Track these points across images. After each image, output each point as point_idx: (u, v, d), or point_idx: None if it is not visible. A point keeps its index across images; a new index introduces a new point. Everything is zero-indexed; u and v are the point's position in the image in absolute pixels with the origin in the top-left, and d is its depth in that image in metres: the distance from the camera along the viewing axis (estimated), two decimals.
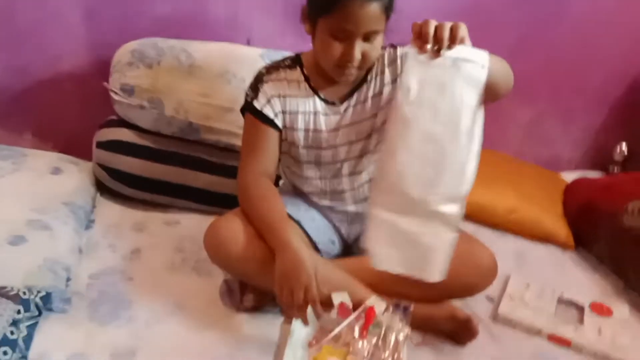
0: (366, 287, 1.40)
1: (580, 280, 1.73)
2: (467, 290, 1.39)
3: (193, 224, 1.65)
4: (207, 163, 1.72)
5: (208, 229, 1.35)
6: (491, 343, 1.40)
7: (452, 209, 1.08)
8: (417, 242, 1.07)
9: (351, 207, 1.51)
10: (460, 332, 1.36)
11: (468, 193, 1.07)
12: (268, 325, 1.34)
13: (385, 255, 1.12)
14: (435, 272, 1.10)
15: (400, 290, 1.39)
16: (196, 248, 1.50)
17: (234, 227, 1.33)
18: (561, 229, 1.90)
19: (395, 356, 1.25)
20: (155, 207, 1.74)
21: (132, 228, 1.65)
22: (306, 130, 1.40)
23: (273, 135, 1.39)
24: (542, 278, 1.66)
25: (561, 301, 1.57)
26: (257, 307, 1.38)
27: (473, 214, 1.85)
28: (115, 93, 1.69)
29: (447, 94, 1.08)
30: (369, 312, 1.32)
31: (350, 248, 1.57)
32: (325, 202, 1.51)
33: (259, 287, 1.37)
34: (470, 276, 1.36)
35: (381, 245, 1.11)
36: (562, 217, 1.96)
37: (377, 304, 1.34)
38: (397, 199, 1.06)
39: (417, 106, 1.07)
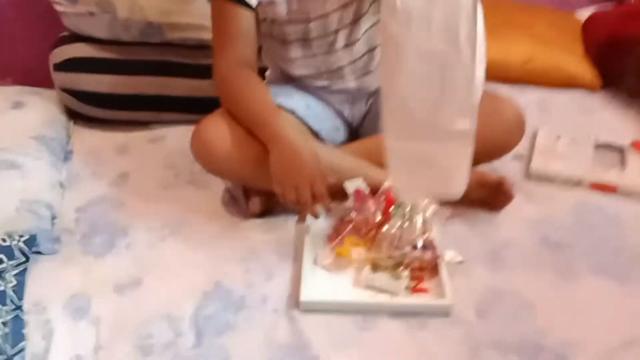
0: (381, 168, 1.25)
1: (614, 121, 1.57)
2: (495, 151, 1.23)
3: (180, 137, 1.48)
4: (180, 66, 1.53)
5: (192, 135, 1.19)
6: (528, 203, 1.26)
7: (464, 123, 0.94)
8: (435, 164, 0.97)
9: (352, 84, 1.32)
10: (493, 197, 1.22)
11: (479, 100, 0.92)
12: (281, 227, 1.21)
13: (407, 185, 1.04)
14: (457, 188, 1.00)
15: None
16: (188, 161, 1.33)
17: (219, 128, 1.16)
18: (585, 70, 1.71)
19: (426, 236, 1.11)
20: (137, 126, 1.56)
21: (114, 152, 1.48)
22: (288, 1, 1.19)
23: (246, 17, 1.18)
24: (572, 126, 1.50)
25: (598, 146, 1.41)
26: (266, 211, 1.24)
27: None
28: (58, 3, 1.46)
29: None
30: (389, 194, 1.17)
31: (356, 132, 1.40)
32: (322, 83, 1.32)
33: (262, 189, 1.22)
34: (496, 135, 1.19)
35: (401, 176, 1.02)
36: (583, 58, 1.76)
37: None
38: (406, 125, 0.96)
39: (406, 21, 0.89)
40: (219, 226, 1.21)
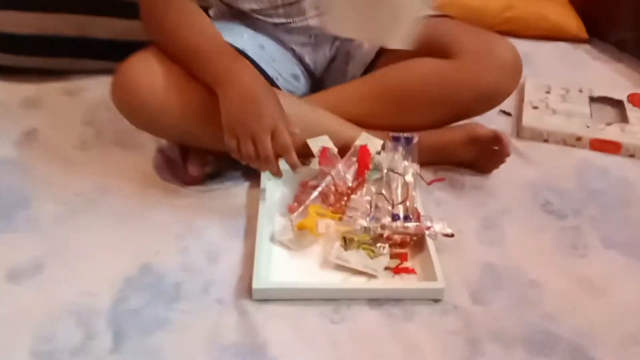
0: (351, 124, 1.03)
1: (605, 74, 1.42)
2: (488, 98, 1.02)
3: (103, 88, 1.18)
4: (103, 3, 1.25)
5: (114, 78, 0.93)
6: (522, 164, 1.08)
7: None
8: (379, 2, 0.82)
9: (314, 21, 1.08)
10: (485, 156, 1.02)
11: None
12: (229, 195, 0.98)
13: (340, 16, 0.86)
14: (400, 37, 0.83)
15: (397, 120, 1.03)
16: (113, 116, 1.07)
17: (149, 68, 0.91)
18: (570, 20, 1.55)
19: (408, 204, 0.91)
20: (50, 76, 1.28)
21: (21, 105, 1.21)
22: None
23: None
24: (560, 79, 1.32)
25: (593, 100, 1.24)
26: (210, 175, 1.00)
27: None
28: None
29: None
30: (363, 154, 0.96)
31: (319, 82, 1.17)
32: (278, 20, 1.07)
33: (205, 147, 0.98)
34: (490, 79, 0.98)
35: (336, 4, 0.85)
36: (567, 5, 1.59)
37: (371, 141, 0.98)
38: None
39: None
40: (150, 195, 0.97)
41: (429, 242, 0.85)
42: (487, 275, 0.85)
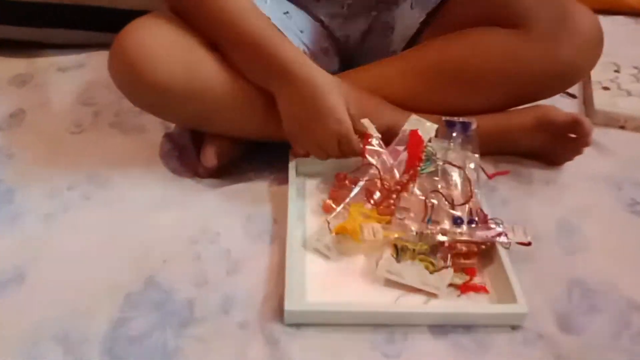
0: (394, 106, 0.86)
1: None
2: (562, 78, 0.83)
3: (103, 63, 1.04)
4: None
5: (111, 48, 0.76)
6: (598, 155, 0.90)
7: None
8: None
9: None
10: (558, 145, 0.85)
11: None
12: (251, 188, 0.81)
13: None
14: None
15: (450, 102, 0.86)
16: (114, 95, 0.92)
17: (152, 35, 0.74)
18: None
19: (471, 205, 0.74)
20: (44, 51, 1.12)
21: (9, 83, 1.04)
22: None
23: None
24: (625, 57, 1.14)
25: None
26: (227, 165, 0.84)
27: None
28: None
29: None
30: (413, 141, 0.79)
31: (350, 59, 1.00)
32: None
33: (222, 133, 0.82)
34: (566, 53, 0.80)
35: None
36: None
37: (422, 126, 0.81)
38: None
39: None
40: (155, 190, 0.80)
41: (502, 253, 0.68)
42: (577, 295, 0.68)
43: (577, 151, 0.84)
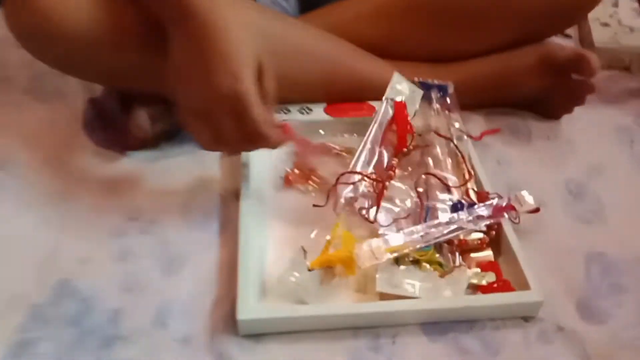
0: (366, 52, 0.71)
1: None
2: (564, 14, 0.70)
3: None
4: None
5: None
6: (604, 103, 0.78)
7: None
8: None
9: None
10: (559, 91, 0.71)
11: None
12: (194, 163, 0.65)
13: None
14: None
15: (433, 44, 0.71)
16: (28, 55, 0.74)
17: None
18: None
19: (470, 181, 0.60)
20: None
21: None
22: None
23: None
24: None
25: None
26: (163, 135, 0.68)
27: None
28: None
29: None
30: (400, 117, 0.64)
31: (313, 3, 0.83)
32: None
33: (154, 93, 0.66)
34: None
35: None
36: None
37: (402, 90, 0.66)
38: None
39: None
40: (74, 167, 0.64)
41: (507, 229, 0.55)
42: (597, 273, 0.56)
43: (579, 98, 0.71)
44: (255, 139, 0.52)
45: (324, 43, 0.69)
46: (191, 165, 0.65)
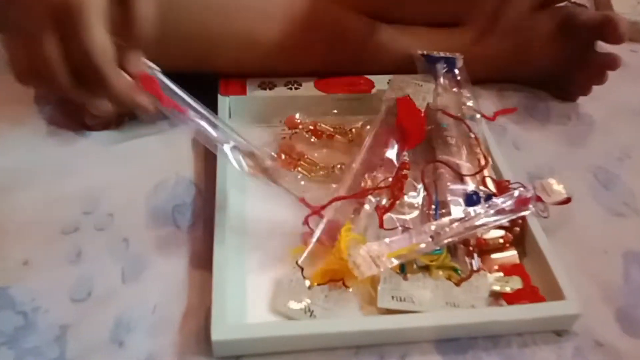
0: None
1: None
2: None
3: None
4: None
5: None
6: (628, 79, 0.69)
7: None
8: None
9: None
10: (581, 65, 0.62)
11: None
12: (162, 144, 0.56)
13: None
14: None
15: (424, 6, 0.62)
16: None
17: None
18: None
19: (486, 173, 0.51)
20: None
21: None
22: None
23: None
24: None
25: None
26: (127, 113, 0.58)
27: None
28: None
29: None
30: (404, 111, 0.54)
31: None
32: None
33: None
34: None
35: None
36: None
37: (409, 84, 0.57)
38: None
39: None
40: (25, 151, 0.54)
41: (533, 226, 0.47)
42: (637, 274, 0.47)
43: (600, 75, 0.62)
44: (88, 75, 0.37)
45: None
46: (159, 148, 0.55)
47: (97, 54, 0.36)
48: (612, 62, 0.61)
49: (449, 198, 0.49)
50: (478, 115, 0.56)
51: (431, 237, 0.44)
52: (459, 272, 0.44)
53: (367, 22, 0.60)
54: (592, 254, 0.49)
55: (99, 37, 0.36)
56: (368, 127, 0.55)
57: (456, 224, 0.45)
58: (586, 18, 0.61)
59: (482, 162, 0.52)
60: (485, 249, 0.46)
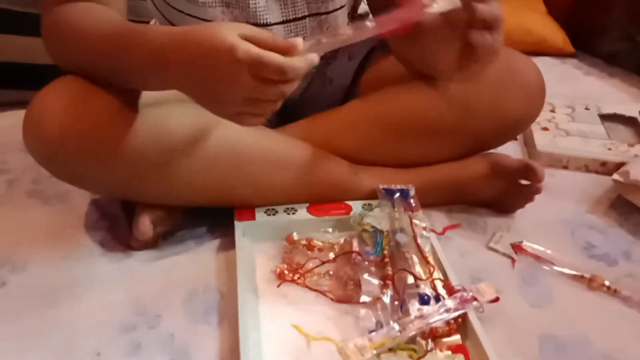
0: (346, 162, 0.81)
1: (602, 89, 1.27)
2: (509, 129, 0.82)
3: (14, 125, 0.94)
4: (13, 16, 0.99)
5: (25, 115, 0.67)
6: (548, 199, 0.88)
7: None
8: None
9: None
10: (510, 193, 0.83)
11: None
12: (193, 260, 0.73)
13: None
14: None
15: (401, 153, 0.82)
16: (31, 159, 0.81)
17: (65, 99, 0.64)
18: (555, 33, 1.41)
19: (433, 273, 0.69)
20: None
21: None
22: None
23: None
24: (556, 96, 1.16)
25: (604, 118, 1.08)
26: (163, 235, 0.75)
27: None
28: None
29: None
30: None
31: (290, 111, 0.94)
32: None
33: (154, 202, 0.74)
34: (515, 104, 0.78)
35: None
36: (547, 17, 1.45)
37: None
38: None
39: None
40: (80, 267, 0.71)
41: (472, 316, 0.64)
42: (550, 352, 0.64)
43: (528, 198, 0.82)
44: (283, 72, 0.53)
45: (296, 150, 0.78)
46: (189, 263, 0.72)
47: (274, 58, 0.53)
48: (536, 191, 0.81)
49: (409, 299, 0.66)
50: (425, 232, 0.73)
51: (399, 331, 0.61)
52: (417, 352, 0.60)
53: (348, 166, 0.80)
54: (518, 336, 0.65)
55: (264, 51, 0.53)
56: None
57: (417, 320, 0.62)
58: (512, 164, 0.80)
59: (431, 270, 0.69)
60: (437, 334, 0.62)
